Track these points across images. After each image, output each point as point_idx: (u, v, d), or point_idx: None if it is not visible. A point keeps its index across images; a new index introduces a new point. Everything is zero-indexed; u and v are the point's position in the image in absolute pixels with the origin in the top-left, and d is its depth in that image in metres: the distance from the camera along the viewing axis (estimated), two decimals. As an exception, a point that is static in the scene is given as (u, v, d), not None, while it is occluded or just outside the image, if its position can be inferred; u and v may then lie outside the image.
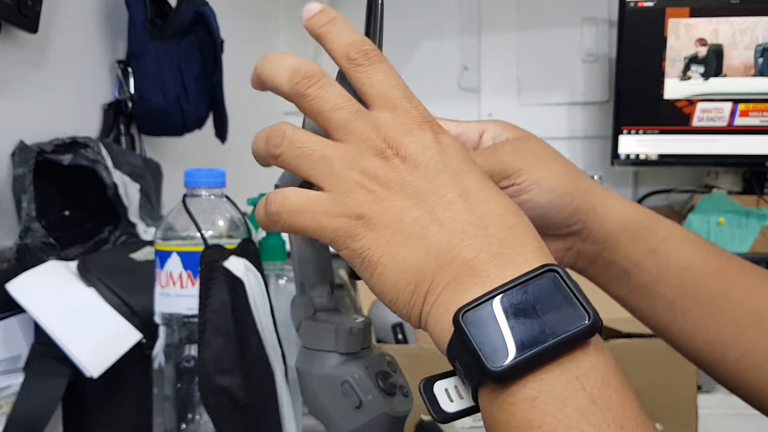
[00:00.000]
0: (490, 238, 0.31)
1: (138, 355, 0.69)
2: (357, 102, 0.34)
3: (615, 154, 1.47)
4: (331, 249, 0.36)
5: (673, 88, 1.43)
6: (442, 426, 0.58)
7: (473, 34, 1.68)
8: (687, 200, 1.51)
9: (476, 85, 1.67)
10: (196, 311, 0.60)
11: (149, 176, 0.99)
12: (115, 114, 1.07)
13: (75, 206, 0.91)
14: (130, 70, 1.07)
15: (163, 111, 1.06)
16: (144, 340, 0.70)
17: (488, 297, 0.30)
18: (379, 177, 0.33)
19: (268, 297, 0.64)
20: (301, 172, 0.34)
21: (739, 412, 0.89)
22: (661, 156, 1.44)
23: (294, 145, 0.34)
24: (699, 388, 0.68)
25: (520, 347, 0.29)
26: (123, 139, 1.07)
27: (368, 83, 0.34)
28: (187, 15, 1.08)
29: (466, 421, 0.58)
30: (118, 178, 0.91)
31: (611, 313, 0.75)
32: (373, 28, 0.39)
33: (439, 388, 0.32)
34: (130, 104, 1.07)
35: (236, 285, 0.61)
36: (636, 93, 1.45)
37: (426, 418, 0.60)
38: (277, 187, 0.37)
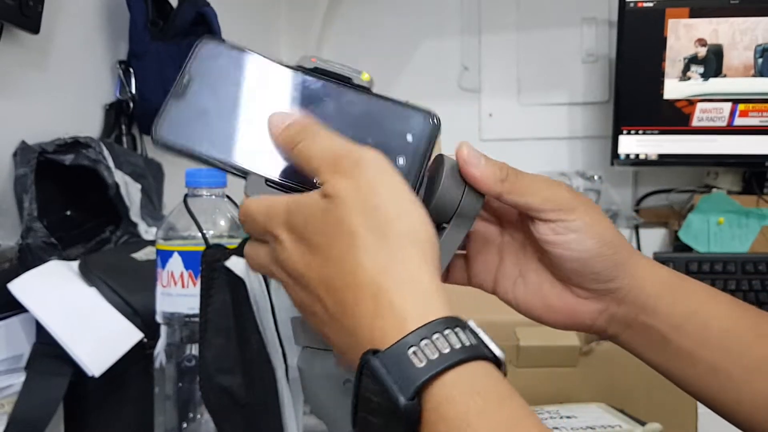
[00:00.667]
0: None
1: (139, 355, 0.70)
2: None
3: (615, 154, 1.48)
4: None
5: (673, 89, 1.44)
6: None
7: (473, 34, 1.68)
8: (687, 200, 1.51)
9: (476, 85, 1.67)
10: (197, 311, 0.61)
11: (150, 176, 0.99)
12: (116, 114, 1.07)
13: (76, 206, 0.91)
14: (131, 70, 1.07)
15: (165, 111, 1.07)
16: (145, 340, 0.70)
17: None
18: (292, 275, 0.36)
19: (269, 297, 0.64)
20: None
21: (738, 411, 0.89)
22: (661, 156, 1.45)
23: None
24: (698, 387, 0.68)
25: None
26: (124, 139, 1.07)
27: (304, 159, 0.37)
28: (188, 15, 1.08)
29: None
30: (120, 178, 0.91)
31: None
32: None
33: None
34: (131, 104, 1.07)
35: (237, 284, 0.61)
36: (636, 93, 1.45)
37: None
38: (246, 195, 0.39)
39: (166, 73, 1.06)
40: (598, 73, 1.62)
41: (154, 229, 0.93)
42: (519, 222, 0.45)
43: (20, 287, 0.69)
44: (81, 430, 0.71)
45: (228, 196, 0.67)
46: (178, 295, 0.63)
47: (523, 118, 1.63)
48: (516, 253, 0.46)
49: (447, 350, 0.29)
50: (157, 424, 0.65)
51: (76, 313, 0.69)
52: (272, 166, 0.39)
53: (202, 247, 0.61)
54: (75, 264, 0.75)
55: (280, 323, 0.64)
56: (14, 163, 0.84)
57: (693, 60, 1.43)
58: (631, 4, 1.43)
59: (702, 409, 0.67)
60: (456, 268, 0.47)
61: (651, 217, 1.54)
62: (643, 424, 0.55)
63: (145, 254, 0.80)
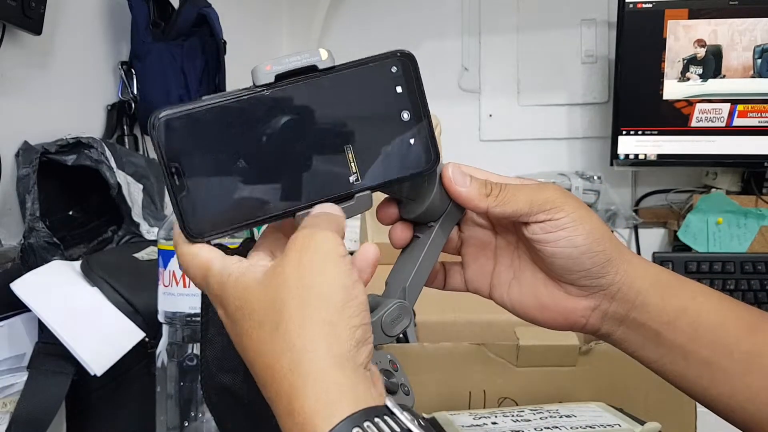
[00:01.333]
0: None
1: (141, 354, 0.70)
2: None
3: (614, 155, 1.48)
4: None
5: (672, 89, 1.44)
6: (442, 423, 0.58)
7: (473, 35, 1.68)
8: (686, 200, 1.51)
9: (476, 85, 1.67)
10: (198, 310, 0.61)
11: (152, 176, 0.99)
12: (118, 114, 1.07)
13: (79, 206, 0.91)
14: (133, 71, 1.08)
15: (166, 112, 1.07)
16: (147, 339, 0.70)
17: None
18: None
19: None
20: None
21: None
22: (660, 156, 1.45)
23: None
24: (697, 387, 0.69)
25: None
26: (126, 140, 1.07)
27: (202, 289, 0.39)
28: (189, 16, 1.09)
29: (466, 420, 0.58)
30: (122, 178, 0.91)
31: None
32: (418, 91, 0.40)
33: None
34: (133, 105, 1.07)
35: (239, 284, 0.61)
36: (635, 94, 1.46)
37: (427, 416, 0.61)
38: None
39: (168, 74, 1.07)
40: (597, 73, 1.62)
41: (155, 229, 0.93)
42: (511, 225, 0.46)
43: (23, 287, 0.69)
44: (83, 428, 0.72)
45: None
46: (180, 294, 0.63)
47: (523, 119, 1.63)
48: (510, 256, 0.47)
49: None
50: (158, 423, 0.65)
51: (79, 313, 0.69)
52: (305, 193, 0.39)
53: (203, 247, 0.61)
54: (77, 264, 0.75)
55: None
56: (17, 164, 0.85)
57: (692, 61, 1.43)
58: (631, 5, 1.44)
59: (702, 409, 0.68)
60: (453, 275, 0.48)
61: (650, 217, 1.54)
62: (642, 423, 0.55)
63: (146, 254, 0.80)
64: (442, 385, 0.65)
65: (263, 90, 0.38)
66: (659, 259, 1.35)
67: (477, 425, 0.57)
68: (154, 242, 0.80)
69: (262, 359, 0.33)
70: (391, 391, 0.41)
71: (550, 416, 0.58)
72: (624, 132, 1.46)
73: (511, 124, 1.63)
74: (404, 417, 0.31)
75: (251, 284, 0.35)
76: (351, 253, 0.36)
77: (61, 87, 0.97)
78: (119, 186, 0.90)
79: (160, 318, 0.65)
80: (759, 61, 1.41)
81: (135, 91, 1.07)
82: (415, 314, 0.45)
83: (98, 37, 1.07)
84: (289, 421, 0.31)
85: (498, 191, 0.43)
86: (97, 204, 0.92)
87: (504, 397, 0.65)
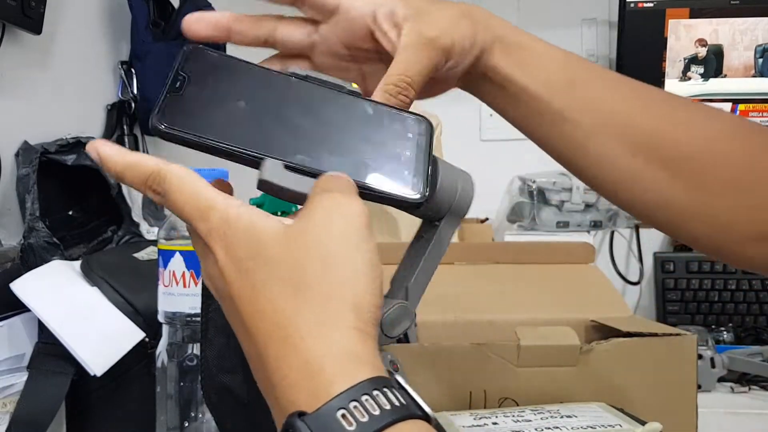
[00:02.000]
0: (268, 393, 0.32)
1: (141, 354, 0.70)
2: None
3: (615, 155, 1.48)
4: None
5: (673, 89, 1.44)
6: (443, 424, 0.58)
7: (474, 34, 1.68)
8: (687, 200, 1.51)
9: (477, 85, 1.67)
10: (198, 310, 0.61)
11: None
12: (118, 114, 1.07)
13: (79, 206, 0.91)
14: (133, 70, 1.08)
15: (166, 111, 1.07)
16: (147, 339, 0.70)
17: None
18: (220, 303, 0.35)
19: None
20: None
21: (738, 411, 0.89)
22: (662, 156, 1.45)
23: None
24: (699, 387, 0.69)
25: None
26: (126, 140, 1.08)
27: (172, 210, 0.36)
28: (189, 16, 1.09)
29: (466, 420, 0.58)
30: (121, 178, 0.91)
31: (611, 312, 0.75)
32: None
33: None
34: (133, 105, 1.07)
35: (239, 284, 0.61)
36: (636, 93, 1.45)
37: (427, 416, 0.61)
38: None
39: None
40: (598, 73, 1.62)
41: (155, 229, 0.93)
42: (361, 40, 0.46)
43: (22, 287, 0.69)
44: (83, 429, 0.72)
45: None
46: (180, 294, 0.63)
47: (524, 119, 1.63)
48: (374, 67, 0.47)
49: (377, 412, 0.29)
50: (158, 423, 0.65)
51: (78, 313, 0.69)
52: (290, 151, 0.38)
53: (203, 247, 0.61)
54: (77, 264, 0.75)
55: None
56: (16, 163, 0.85)
57: (693, 60, 1.43)
58: (632, 5, 1.44)
59: (702, 409, 0.67)
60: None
61: (651, 217, 1.54)
62: (643, 423, 0.55)
63: (146, 254, 0.80)
64: (442, 385, 0.65)
65: (291, 76, 0.41)
66: (660, 259, 1.35)
67: (477, 425, 0.57)
68: (154, 242, 0.80)
69: (274, 316, 0.31)
70: (391, 391, 0.41)
71: (551, 416, 0.58)
72: (625, 132, 1.46)
73: (512, 124, 1.63)
74: (416, 393, 0.31)
75: (270, 235, 0.33)
76: None
77: (61, 87, 0.97)
78: (119, 186, 0.90)
79: (160, 318, 0.65)
80: (760, 60, 1.41)
81: (135, 91, 1.07)
82: (415, 314, 0.45)
83: (98, 36, 1.07)
84: (303, 383, 0.30)
85: None
86: (97, 204, 0.92)
87: (505, 397, 0.65)
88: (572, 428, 0.54)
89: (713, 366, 0.98)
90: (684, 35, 1.42)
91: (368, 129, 0.41)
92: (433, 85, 0.46)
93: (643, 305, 1.46)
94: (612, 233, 1.51)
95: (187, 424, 0.64)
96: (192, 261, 0.63)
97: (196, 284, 0.62)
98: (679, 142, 0.46)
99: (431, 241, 0.44)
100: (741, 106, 1.42)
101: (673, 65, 1.43)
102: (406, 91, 0.42)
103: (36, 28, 0.87)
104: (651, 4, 1.43)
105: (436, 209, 0.43)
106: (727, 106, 1.42)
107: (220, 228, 0.33)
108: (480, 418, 0.58)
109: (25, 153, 0.85)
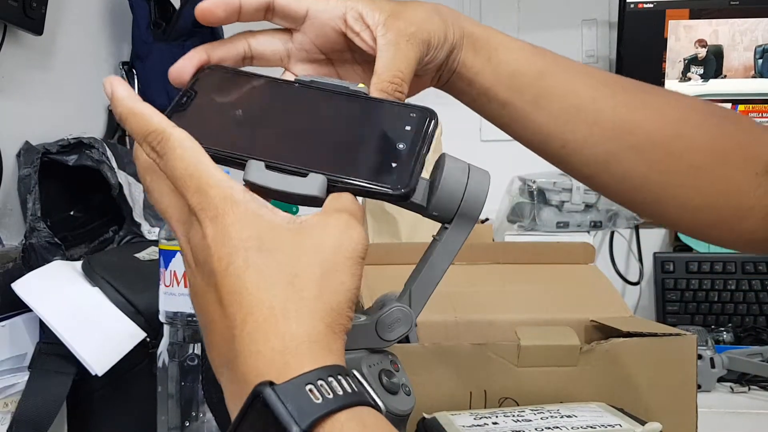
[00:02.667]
0: (233, 367, 0.33)
1: (142, 354, 0.70)
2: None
3: (615, 155, 1.48)
4: None
5: (673, 90, 1.44)
6: (443, 424, 0.58)
7: (474, 35, 1.68)
8: (687, 201, 1.51)
9: (477, 86, 1.67)
10: (200, 310, 0.61)
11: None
12: (119, 115, 1.07)
13: (80, 206, 0.91)
14: (134, 71, 1.08)
15: (167, 112, 1.07)
16: (148, 339, 0.70)
17: None
18: (188, 276, 0.36)
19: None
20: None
21: (738, 411, 0.90)
22: (662, 157, 1.45)
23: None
24: (699, 387, 0.69)
25: None
26: (128, 140, 1.08)
27: (167, 173, 0.35)
28: (190, 17, 1.09)
29: (466, 420, 0.58)
30: (123, 178, 0.92)
31: (611, 312, 0.76)
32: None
33: None
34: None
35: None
36: (636, 94, 1.46)
37: (428, 416, 0.61)
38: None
39: (169, 74, 1.07)
40: (598, 74, 1.62)
41: (157, 229, 0.93)
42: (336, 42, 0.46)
43: (24, 287, 0.69)
44: (84, 428, 0.72)
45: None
46: (181, 294, 0.63)
47: (524, 119, 1.63)
48: (351, 68, 0.48)
49: (340, 392, 0.30)
50: (159, 423, 0.65)
51: (80, 313, 0.70)
52: (276, 151, 0.38)
53: (205, 247, 0.61)
54: (78, 264, 0.75)
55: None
56: (18, 164, 0.85)
57: (693, 61, 1.43)
58: (632, 6, 1.44)
59: (702, 409, 0.68)
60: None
61: (651, 217, 1.54)
62: (643, 423, 0.55)
63: (148, 254, 0.80)
64: (442, 385, 0.65)
65: (295, 83, 0.42)
66: (660, 260, 1.36)
67: (478, 425, 0.57)
68: (155, 242, 0.80)
69: (262, 295, 0.32)
70: (392, 391, 0.41)
71: (551, 416, 0.58)
72: (625, 132, 1.46)
73: (512, 125, 1.63)
74: (371, 388, 0.34)
75: (282, 225, 0.34)
76: None
77: (62, 87, 0.98)
78: (120, 186, 0.90)
79: (161, 318, 0.65)
80: (760, 61, 1.41)
81: (136, 92, 1.07)
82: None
83: (99, 37, 1.07)
84: (276, 356, 0.31)
85: None
86: (99, 204, 0.92)
87: (505, 397, 0.66)
88: (572, 428, 0.55)
89: (713, 366, 0.98)
90: (684, 36, 1.43)
91: (365, 125, 0.41)
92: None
93: (643, 305, 1.46)
94: (612, 233, 1.51)
95: (188, 424, 0.64)
96: (193, 261, 0.63)
97: (197, 284, 0.63)
98: (647, 129, 0.48)
99: (437, 245, 0.43)
100: (741, 107, 1.42)
101: (673, 66, 1.44)
102: (401, 87, 0.43)
103: (37, 28, 0.87)
104: (651, 5, 1.43)
105: (442, 208, 0.41)
106: (727, 107, 1.42)
107: (221, 206, 0.33)
108: (480, 418, 0.59)
109: (26, 153, 0.85)
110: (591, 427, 0.55)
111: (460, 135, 1.65)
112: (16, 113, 0.88)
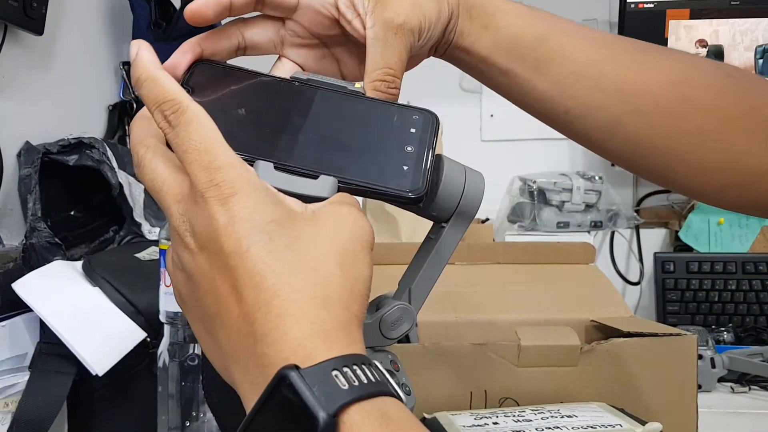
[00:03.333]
0: (251, 353, 0.31)
1: (143, 354, 0.70)
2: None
3: (616, 155, 1.48)
4: None
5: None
6: (443, 424, 0.58)
7: (475, 35, 1.68)
8: (687, 200, 1.51)
9: (478, 85, 1.67)
10: (200, 310, 0.61)
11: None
12: (120, 115, 1.08)
13: (80, 206, 0.91)
14: (134, 71, 1.08)
15: (167, 112, 1.07)
16: (148, 339, 0.70)
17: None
18: (181, 260, 0.34)
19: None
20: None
21: (739, 411, 0.90)
22: (662, 157, 1.45)
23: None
24: (699, 387, 0.69)
25: None
26: (128, 140, 1.08)
27: (174, 145, 0.34)
28: (190, 17, 1.09)
29: (467, 420, 0.58)
30: (123, 178, 0.92)
31: (611, 312, 0.76)
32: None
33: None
34: (134, 105, 1.08)
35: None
36: (637, 94, 1.46)
37: (428, 416, 0.61)
38: None
39: (169, 74, 1.07)
40: (599, 73, 1.62)
41: (157, 229, 0.93)
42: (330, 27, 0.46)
43: (24, 287, 0.69)
44: (84, 428, 0.72)
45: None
46: (182, 294, 0.63)
47: (524, 119, 1.61)
48: (347, 49, 0.47)
49: (365, 381, 0.30)
50: (160, 423, 0.65)
51: (80, 313, 0.70)
52: (284, 152, 0.38)
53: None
54: (79, 264, 0.75)
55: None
56: (18, 164, 0.85)
57: (694, 61, 1.43)
58: (632, 6, 1.44)
59: (702, 409, 0.68)
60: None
61: (651, 217, 1.54)
62: (643, 423, 0.55)
63: (148, 254, 0.80)
64: (443, 385, 0.65)
65: (293, 81, 0.42)
66: (660, 260, 1.36)
67: (478, 425, 0.57)
68: (156, 242, 0.80)
69: (289, 278, 0.31)
70: (392, 391, 0.41)
71: (552, 416, 0.58)
72: (625, 132, 1.46)
73: (513, 124, 1.63)
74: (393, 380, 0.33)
75: (300, 211, 0.34)
76: None
77: (62, 87, 0.98)
78: (121, 186, 0.90)
79: (162, 318, 0.65)
80: (761, 61, 1.41)
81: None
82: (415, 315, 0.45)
83: (100, 37, 1.07)
84: (305, 341, 0.30)
85: None
86: (99, 204, 0.92)
87: (505, 397, 0.66)
88: (573, 428, 0.55)
89: (713, 366, 0.98)
90: (684, 36, 1.43)
91: (368, 126, 0.41)
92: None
93: (644, 305, 1.46)
94: (612, 233, 1.51)
95: (188, 424, 0.64)
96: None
97: (197, 284, 0.63)
98: (651, 92, 0.47)
99: (436, 244, 0.43)
100: (741, 107, 1.42)
101: (673, 66, 1.43)
102: (393, 84, 0.42)
103: (38, 28, 0.87)
104: (651, 5, 1.43)
105: (441, 209, 0.42)
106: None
107: (240, 186, 0.32)
108: (480, 418, 0.59)
109: (27, 153, 0.85)
110: (591, 427, 0.55)
111: (461, 135, 1.65)
112: (16, 113, 0.88)
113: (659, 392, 0.66)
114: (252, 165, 0.36)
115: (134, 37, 1.07)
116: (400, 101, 0.43)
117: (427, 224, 0.45)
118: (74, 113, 1.00)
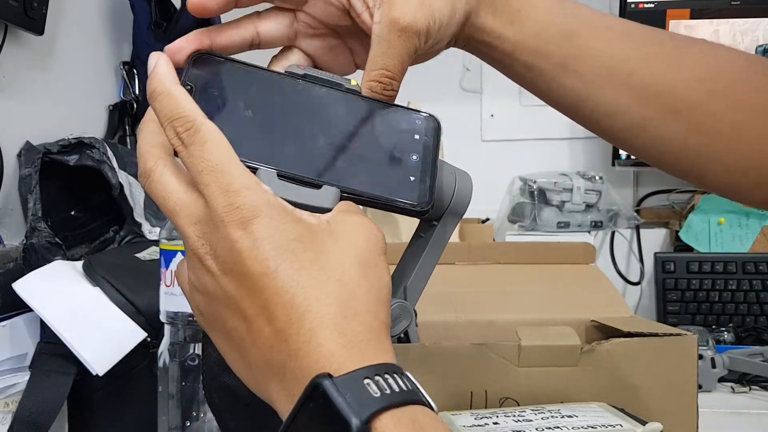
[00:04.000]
0: (285, 368, 0.32)
1: (143, 354, 0.70)
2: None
3: (616, 155, 1.48)
4: None
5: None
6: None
7: (475, 35, 1.68)
8: (688, 200, 1.51)
9: (478, 86, 1.67)
10: (200, 310, 0.61)
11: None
12: (120, 115, 1.08)
13: (81, 206, 0.92)
14: (135, 71, 1.08)
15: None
16: (149, 339, 0.70)
17: None
18: (202, 283, 0.34)
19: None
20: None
21: (739, 411, 0.90)
22: (662, 157, 1.45)
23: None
24: (699, 387, 0.69)
25: None
26: (128, 140, 1.08)
27: (187, 164, 0.34)
28: (191, 17, 1.09)
29: (467, 420, 0.58)
30: (124, 178, 0.92)
31: (612, 312, 0.76)
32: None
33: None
34: (135, 105, 1.08)
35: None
36: (637, 94, 1.45)
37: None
38: None
39: (169, 74, 1.07)
40: (599, 73, 1.62)
41: (157, 229, 0.93)
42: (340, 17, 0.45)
43: (25, 287, 0.69)
44: (85, 428, 0.72)
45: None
46: (182, 294, 0.63)
47: (525, 119, 1.63)
48: (361, 39, 0.46)
49: (397, 389, 0.31)
50: (160, 423, 0.65)
51: (80, 313, 0.70)
52: (287, 159, 0.37)
53: (205, 247, 0.61)
54: (79, 264, 0.75)
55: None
56: (19, 164, 0.85)
57: (694, 61, 1.43)
58: (632, 6, 1.44)
59: (702, 409, 0.68)
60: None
61: (652, 217, 1.54)
62: (643, 423, 0.55)
63: (148, 254, 0.80)
64: (443, 385, 0.65)
65: (291, 77, 0.41)
66: (661, 260, 1.36)
67: (478, 425, 0.57)
68: (156, 242, 0.80)
69: (317, 293, 0.32)
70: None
71: (552, 416, 0.58)
72: (626, 132, 1.46)
73: (513, 125, 1.63)
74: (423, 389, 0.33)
75: (318, 226, 0.34)
76: None
77: (63, 87, 0.98)
78: (121, 186, 0.90)
79: (162, 318, 0.65)
80: (761, 61, 1.41)
81: (137, 92, 1.07)
82: (416, 314, 0.45)
83: (100, 37, 1.07)
84: (338, 351, 0.31)
85: None
86: (99, 204, 0.92)
87: (505, 397, 0.66)
88: (573, 428, 0.55)
89: (714, 366, 0.98)
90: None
91: (372, 132, 0.40)
92: (417, 57, 0.45)
93: (644, 305, 1.46)
94: (613, 233, 1.51)
95: (188, 424, 0.64)
96: (194, 261, 0.63)
97: (197, 284, 0.63)
98: (686, 91, 0.45)
99: (429, 241, 0.44)
100: (742, 107, 1.41)
101: (673, 66, 1.43)
102: (390, 86, 0.42)
103: (38, 28, 0.87)
104: (651, 5, 1.43)
105: (435, 209, 0.43)
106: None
107: (260, 207, 0.32)
108: (481, 418, 0.59)
109: (27, 153, 0.85)
110: (592, 427, 0.55)
111: (461, 135, 1.65)
112: (16, 113, 0.88)
113: (659, 392, 0.66)
114: (254, 172, 0.36)
115: (134, 37, 1.07)
116: (399, 101, 0.43)
117: (427, 224, 0.45)
118: (74, 113, 1.00)
